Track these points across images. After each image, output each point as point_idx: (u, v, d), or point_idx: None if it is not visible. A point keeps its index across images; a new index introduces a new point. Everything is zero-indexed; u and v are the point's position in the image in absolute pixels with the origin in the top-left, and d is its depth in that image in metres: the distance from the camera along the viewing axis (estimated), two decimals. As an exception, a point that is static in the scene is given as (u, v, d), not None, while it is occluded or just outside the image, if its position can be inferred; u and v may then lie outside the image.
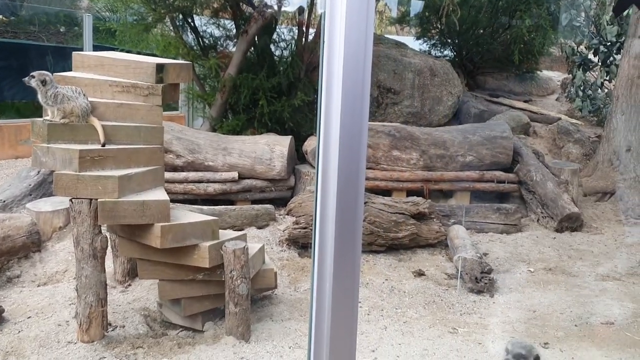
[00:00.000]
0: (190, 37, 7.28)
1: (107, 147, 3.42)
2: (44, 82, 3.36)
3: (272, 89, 6.78)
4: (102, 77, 3.71)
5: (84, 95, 3.45)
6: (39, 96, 3.38)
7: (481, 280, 4.47)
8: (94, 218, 3.25)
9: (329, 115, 1.57)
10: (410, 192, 6.19)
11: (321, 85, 1.57)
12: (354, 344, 1.74)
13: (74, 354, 3.22)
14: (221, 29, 7.38)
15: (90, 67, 3.84)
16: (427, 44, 9.71)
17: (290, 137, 6.39)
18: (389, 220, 5.29)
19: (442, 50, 9.71)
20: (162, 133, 3.77)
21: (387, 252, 5.30)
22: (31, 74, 3.38)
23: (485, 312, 4.17)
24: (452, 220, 5.82)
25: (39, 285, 4.23)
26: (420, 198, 5.64)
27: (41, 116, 3.48)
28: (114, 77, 3.71)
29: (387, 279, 4.71)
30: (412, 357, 3.40)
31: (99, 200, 3.21)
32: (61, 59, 9.15)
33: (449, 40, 9.63)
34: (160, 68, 3.65)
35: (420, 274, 4.86)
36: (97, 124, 3.46)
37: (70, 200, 3.28)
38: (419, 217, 5.46)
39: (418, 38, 9.74)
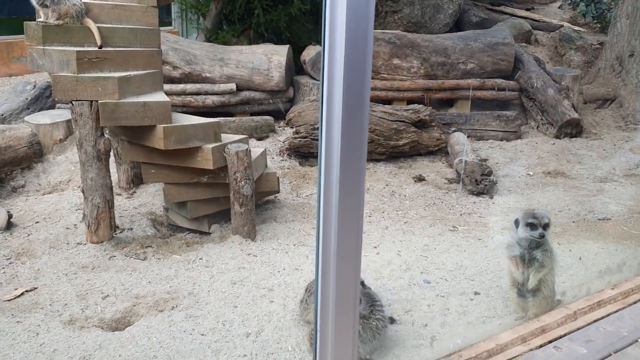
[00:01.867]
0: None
1: (104, 49, 3.36)
2: None
3: (268, -2, 6.57)
4: (94, -23, 3.59)
5: (78, -5, 3.35)
6: (32, -4, 3.28)
7: (481, 182, 4.53)
8: (96, 120, 3.24)
9: (334, 21, 1.53)
10: (410, 102, 6.14)
11: None
12: (360, 240, 1.78)
13: (84, 254, 3.30)
14: None
15: (82, -32, 3.70)
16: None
17: (287, 46, 6.26)
18: (390, 128, 5.29)
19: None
20: (159, 35, 3.70)
21: (388, 160, 5.34)
22: None
23: (485, 211, 4.26)
24: (453, 129, 5.82)
25: (43, 194, 4.28)
26: (421, 105, 5.61)
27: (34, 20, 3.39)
28: (107, -23, 3.59)
29: (387, 185, 4.77)
30: (414, 252, 3.50)
31: (99, 101, 3.18)
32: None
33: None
34: (154, -33, 3.53)
35: (420, 179, 4.92)
36: (92, 25, 3.38)
37: (71, 102, 3.25)
38: (420, 124, 5.45)
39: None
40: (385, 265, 3.28)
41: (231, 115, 6.11)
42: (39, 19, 3.37)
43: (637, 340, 2.36)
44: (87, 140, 3.28)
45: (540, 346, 2.31)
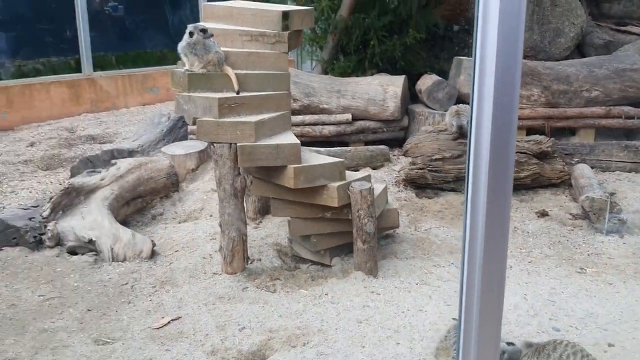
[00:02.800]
0: (301, -20, 7.31)
1: (241, 94, 3.63)
2: (203, 31, 3.57)
3: (383, 28, 6.71)
4: (232, 27, 3.89)
5: (218, 44, 3.65)
6: (181, 45, 3.60)
7: (610, 221, 4.33)
8: (234, 161, 3.50)
9: (484, 63, 1.60)
10: (530, 130, 6.01)
11: (476, 32, 1.60)
12: (503, 286, 1.82)
13: (220, 284, 3.56)
14: (331, -31, 7.33)
15: (220, 17, 4.02)
16: (546, -29, 9.06)
17: (403, 76, 6.35)
18: (509, 159, 5.18)
19: (563, -24, 9.01)
20: (289, 79, 3.92)
21: (507, 192, 5.22)
22: (193, 25, 3.60)
23: (615, 252, 4.07)
24: (576, 159, 5.60)
25: (180, 222, 4.64)
26: (543, 136, 5.46)
27: (165, 65, 3.73)
28: (243, 26, 3.88)
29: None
30: (540, 295, 3.42)
31: (238, 144, 3.44)
32: (177, 8, 9.55)
33: (571, -35, 8.92)
34: (285, 15, 3.76)
35: (543, 214, 4.78)
36: (231, 72, 3.65)
37: (212, 144, 3.54)
38: (542, 156, 5.31)
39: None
40: (511, 310, 3.25)
41: (346, 144, 6.29)
42: (184, 67, 3.70)
43: None
44: (226, 179, 3.55)
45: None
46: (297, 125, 6.11)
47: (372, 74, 6.75)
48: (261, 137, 3.53)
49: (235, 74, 3.67)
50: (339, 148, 5.92)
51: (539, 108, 6.14)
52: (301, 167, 3.50)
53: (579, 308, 3.27)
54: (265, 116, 3.62)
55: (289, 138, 3.64)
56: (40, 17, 8.16)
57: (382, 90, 6.17)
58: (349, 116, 6.18)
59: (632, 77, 6.11)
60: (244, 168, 4.00)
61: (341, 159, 3.77)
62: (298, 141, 3.57)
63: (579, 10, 7.57)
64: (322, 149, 5.69)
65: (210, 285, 3.55)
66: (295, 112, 6.17)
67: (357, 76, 6.77)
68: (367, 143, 6.32)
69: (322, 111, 6.20)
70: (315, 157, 3.77)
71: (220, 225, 3.65)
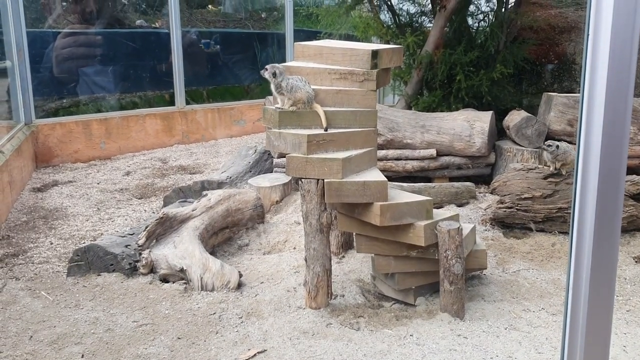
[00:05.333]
0: (387, 16, 7.41)
1: (329, 131, 3.69)
2: (274, 74, 3.71)
3: (469, 63, 6.66)
4: (321, 66, 3.98)
5: (309, 83, 3.75)
6: (271, 86, 3.74)
7: None
8: (321, 196, 3.56)
9: (592, 102, 1.56)
10: (627, 170, 5.69)
11: (584, 73, 1.56)
12: (609, 336, 1.74)
13: (304, 318, 3.58)
14: (417, 5, 7.39)
15: (310, 56, 4.13)
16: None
17: (491, 112, 6.24)
18: (604, 200, 4.94)
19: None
20: (376, 116, 3.95)
21: (601, 234, 4.97)
22: (265, 66, 3.76)
23: None
24: (678, 201, 5.25)
25: (264, 254, 4.74)
26: (641, 177, 5.17)
27: (252, 99, 3.85)
28: (332, 65, 3.96)
29: (603, 263, 4.44)
30: (642, 349, 3.21)
31: (326, 180, 3.50)
32: (265, 44, 9.92)
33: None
34: (374, 54, 3.82)
35: (642, 259, 4.50)
36: (319, 110, 3.74)
37: (300, 180, 3.62)
38: (639, 197, 5.02)
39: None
40: (609, 363, 3.05)
41: (429, 179, 6.23)
42: (275, 105, 3.83)
43: None
44: (312, 214, 3.60)
45: None
46: (380, 159, 6.12)
47: (457, 109, 6.68)
48: (348, 174, 3.57)
49: (324, 111, 3.75)
50: (422, 184, 5.87)
51: (635, 147, 5.82)
52: (388, 204, 3.49)
53: (688, 366, 3.03)
54: (352, 153, 3.66)
55: (375, 175, 3.65)
56: (138, 53, 8.72)
57: (468, 126, 6.09)
58: (433, 151, 6.13)
59: None
60: (330, 203, 4.06)
61: (429, 198, 3.73)
62: (385, 179, 3.57)
63: (681, 44, 7.17)
64: (404, 184, 5.66)
65: (294, 319, 3.58)
66: (378, 147, 6.19)
67: (441, 111, 6.73)
68: (451, 179, 6.24)
69: (406, 146, 6.19)
70: (402, 195, 3.76)
71: (306, 260, 3.69)
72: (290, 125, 3.74)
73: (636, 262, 4.48)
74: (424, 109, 6.88)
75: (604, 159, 1.57)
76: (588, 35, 1.52)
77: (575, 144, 6.06)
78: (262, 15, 11.47)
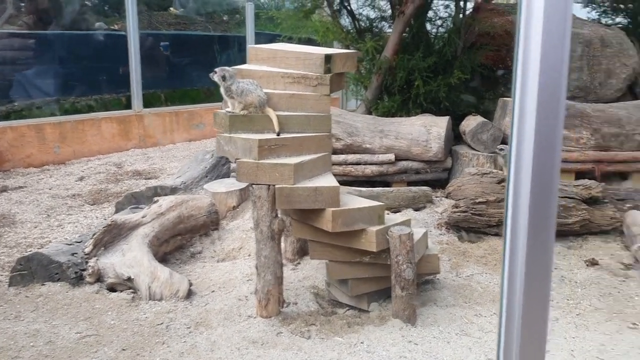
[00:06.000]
0: (347, 21, 7.40)
1: (281, 136, 3.63)
2: (223, 78, 3.64)
3: (427, 69, 6.69)
4: (275, 69, 3.93)
5: (261, 87, 3.68)
6: (221, 89, 3.67)
7: (666, 274, 4.09)
8: (272, 202, 3.49)
9: (524, 104, 1.54)
10: (579, 174, 5.81)
11: (515, 74, 1.54)
12: (545, 338, 1.72)
13: (254, 328, 3.50)
14: (376, 10, 7.41)
15: (264, 60, 4.07)
16: (596, 12, 8.91)
17: (447, 117, 6.29)
18: (558, 205, 5.00)
19: (614, 17, 8.85)
20: (330, 121, 3.92)
21: (556, 239, 5.00)
22: (214, 69, 3.68)
23: (672, 308, 3.83)
24: (628, 205, 5.36)
25: (218, 261, 4.64)
26: (593, 181, 5.26)
27: (210, 102, 3.78)
28: (286, 68, 3.91)
29: (556, 268, 4.49)
30: (588, 352, 3.23)
31: (276, 186, 3.43)
32: (226, 47, 9.81)
33: (622, 6, 8.75)
34: (328, 59, 3.78)
35: (593, 263, 4.56)
36: (272, 114, 3.68)
37: (251, 185, 3.55)
38: (591, 201, 5.11)
39: (586, 5, 8.97)
40: (557, 367, 3.07)
41: (388, 184, 6.23)
42: (226, 108, 3.75)
43: None
44: (263, 221, 3.53)
45: None
46: (339, 164, 6.10)
47: (416, 114, 6.70)
48: (300, 179, 3.52)
49: (277, 115, 3.69)
50: (381, 188, 5.86)
51: (588, 151, 5.94)
52: (340, 210, 3.45)
53: (632, 369, 3.07)
54: (305, 158, 3.61)
55: (328, 181, 3.61)
56: (95, 56, 8.51)
57: (425, 131, 6.11)
58: (391, 156, 6.13)
59: (689, 121, 5.86)
60: (283, 210, 3.99)
61: (381, 203, 3.70)
62: (337, 184, 3.53)
63: (631, 51, 7.37)
64: (363, 189, 5.64)
65: (244, 329, 3.50)
66: (337, 152, 6.18)
67: (400, 116, 6.75)
68: (409, 183, 6.25)
69: (365, 151, 6.17)
70: (355, 200, 3.72)
71: (257, 268, 3.62)
72: (242, 130, 3.67)
73: (588, 265, 4.54)
74: (384, 113, 6.89)
75: (536, 168, 1.56)
76: (519, 43, 1.51)
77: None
78: (224, 18, 11.37)
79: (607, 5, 8.89)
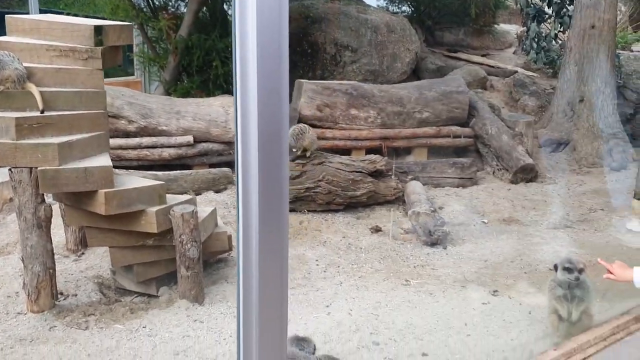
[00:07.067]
0: (139, -2, 7.06)
1: (46, 113, 3.32)
2: None
3: (225, 49, 6.65)
4: (38, 42, 3.57)
5: (19, 60, 3.32)
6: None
7: (434, 233, 4.55)
8: (36, 187, 3.18)
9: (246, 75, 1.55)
10: (369, 151, 6.21)
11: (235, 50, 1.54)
12: (285, 304, 1.77)
13: (23, 325, 3.19)
14: (171, -12, 7.17)
15: (26, 32, 3.68)
16: (384, 0, 9.61)
17: (245, 98, 6.30)
18: (347, 179, 5.31)
19: (399, 6, 9.62)
20: (105, 97, 3.67)
21: (346, 211, 5.35)
22: None
23: (438, 263, 4.26)
24: (410, 177, 5.88)
25: (-11, 258, 4.15)
26: (377, 156, 5.66)
27: None
28: (51, 41, 3.58)
29: (344, 237, 4.76)
30: (365, 310, 3.46)
31: (39, 168, 3.13)
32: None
33: (407, -5, 9.56)
34: (98, 30, 3.53)
35: (377, 230, 4.92)
36: (34, 90, 3.34)
37: (10, 169, 3.19)
38: (376, 174, 5.49)
39: (375, -7, 9.62)
40: (335, 327, 3.23)
41: (190, 167, 6.08)
42: (-21, 85, 3.32)
43: (578, 405, 2.35)
44: (27, 207, 3.21)
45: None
46: (133, 148, 5.80)
47: (215, 96, 6.63)
48: (68, 160, 3.24)
49: (41, 91, 3.36)
50: (179, 171, 5.70)
51: (376, 129, 6.38)
52: (113, 191, 3.26)
53: (400, 320, 3.34)
54: (74, 137, 3.34)
55: (101, 161, 3.38)
56: None
57: (224, 112, 6.06)
58: (190, 138, 5.97)
59: (457, 99, 6.57)
60: (54, 195, 3.68)
61: (161, 182, 3.58)
62: (110, 164, 3.33)
63: (414, 37, 8.06)
64: (159, 173, 5.44)
65: (11, 327, 3.16)
66: (131, 135, 5.86)
67: (201, 97, 6.62)
68: (211, 166, 6.15)
69: (161, 133, 5.94)
70: (132, 181, 3.54)
71: (23, 260, 3.28)
72: (-2, 108, 3.28)
73: (372, 232, 4.88)
74: (183, 95, 6.71)
75: (262, 134, 1.57)
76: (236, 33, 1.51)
77: (318, 127, 6.38)
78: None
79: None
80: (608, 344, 2.77)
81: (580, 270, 2.92)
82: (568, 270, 2.92)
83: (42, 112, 3.31)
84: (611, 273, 2.68)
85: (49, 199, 3.61)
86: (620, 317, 2.98)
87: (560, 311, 2.96)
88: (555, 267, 2.99)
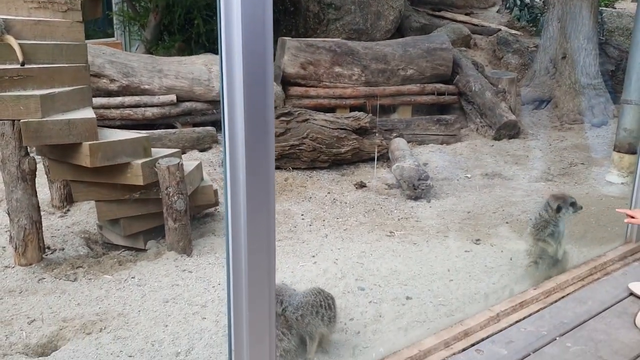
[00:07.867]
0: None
1: (27, 66, 3.27)
2: None
3: (207, 7, 6.54)
4: (14, -7, 3.50)
5: (-4, 11, 3.26)
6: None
7: (418, 187, 4.61)
8: (19, 139, 3.15)
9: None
10: (353, 109, 6.22)
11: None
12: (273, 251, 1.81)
13: (11, 277, 3.20)
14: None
15: (2, -18, 3.60)
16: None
17: (228, 56, 6.24)
18: (331, 136, 5.33)
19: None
20: (86, 50, 3.63)
21: (331, 168, 5.38)
22: None
23: (422, 215, 4.33)
24: (395, 134, 5.91)
25: (-27, 215, 4.13)
26: (362, 113, 5.68)
27: None
28: (29, -8, 3.50)
29: (329, 192, 4.81)
30: (350, 259, 3.53)
31: (22, 120, 3.10)
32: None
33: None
34: (76, -20, 3.46)
35: (361, 185, 4.97)
36: (13, 42, 3.28)
37: (-8, 122, 3.16)
38: (361, 131, 5.51)
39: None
40: (320, 275, 3.30)
41: (174, 126, 6.04)
42: (-44, 37, 3.26)
43: (555, 339, 2.44)
44: (11, 160, 3.19)
45: (463, 350, 2.36)
46: (116, 107, 5.74)
47: (197, 54, 6.55)
48: (51, 113, 3.22)
49: (20, 44, 3.30)
50: (163, 130, 5.68)
51: (360, 87, 6.37)
52: (98, 143, 3.25)
53: (384, 267, 3.42)
54: (56, 90, 3.30)
55: (85, 113, 3.36)
56: None
57: (206, 70, 6.01)
58: (173, 97, 5.92)
59: (442, 56, 6.57)
60: (38, 149, 3.66)
61: (145, 134, 3.57)
62: (94, 116, 3.31)
63: (397, -5, 7.99)
64: (143, 132, 5.40)
65: (0, 280, 3.18)
66: (113, 94, 5.79)
67: (183, 56, 6.54)
68: (195, 125, 6.13)
69: (144, 92, 5.88)
70: (117, 134, 3.53)
71: (8, 213, 3.28)
72: (-23, 61, 3.23)
73: (357, 188, 4.93)
74: (165, 54, 6.62)
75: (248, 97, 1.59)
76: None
77: (302, 86, 6.34)
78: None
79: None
80: (586, 283, 2.87)
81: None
82: (573, 205, 2.98)
83: (22, 64, 3.26)
84: (632, 217, 2.74)
85: (33, 154, 3.59)
86: (597, 259, 3.08)
87: (549, 249, 3.02)
88: (559, 208, 2.96)
